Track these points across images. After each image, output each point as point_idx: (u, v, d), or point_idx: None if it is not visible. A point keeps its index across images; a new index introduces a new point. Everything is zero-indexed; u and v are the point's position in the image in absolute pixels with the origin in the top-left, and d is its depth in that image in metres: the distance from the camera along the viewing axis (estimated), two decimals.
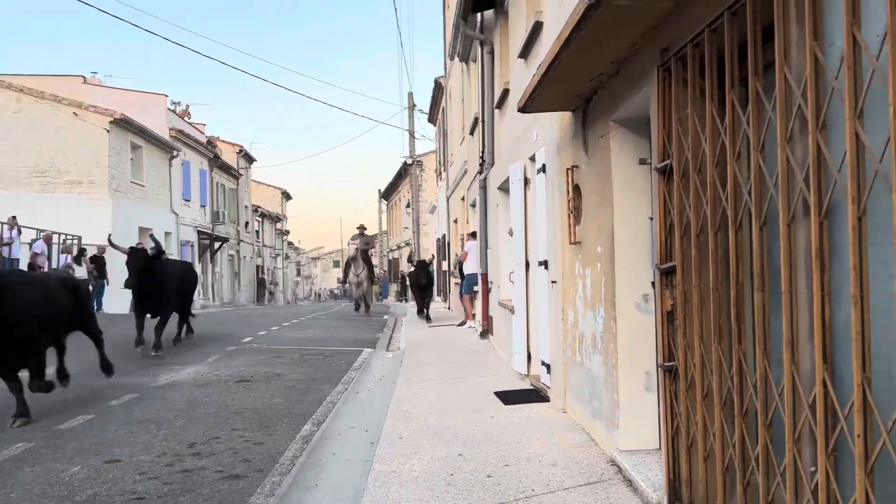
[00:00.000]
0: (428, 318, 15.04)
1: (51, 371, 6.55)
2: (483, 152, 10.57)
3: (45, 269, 18.25)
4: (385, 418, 5.71)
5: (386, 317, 18.02)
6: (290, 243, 56.79)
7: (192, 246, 28.34)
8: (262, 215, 43.02)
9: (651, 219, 3.88)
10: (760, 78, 2.48)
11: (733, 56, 2.62)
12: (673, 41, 3.12)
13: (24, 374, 5.96)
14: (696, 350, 3.00)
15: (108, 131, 21.54)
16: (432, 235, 28.26)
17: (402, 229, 36.09)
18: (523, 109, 5.18)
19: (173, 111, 28.95)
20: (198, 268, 28.73)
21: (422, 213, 29.59)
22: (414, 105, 27.88)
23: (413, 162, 29.29)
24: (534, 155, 6.76)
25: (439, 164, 22.87)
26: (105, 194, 21.38)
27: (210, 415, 6.10)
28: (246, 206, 38.47)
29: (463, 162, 14.42)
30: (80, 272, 17.64)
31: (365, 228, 17.93)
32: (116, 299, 17.91)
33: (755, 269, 2.49)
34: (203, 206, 30.32)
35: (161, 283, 9.80)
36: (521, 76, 7.14)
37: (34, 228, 16.90)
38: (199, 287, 28.06)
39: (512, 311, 7.99)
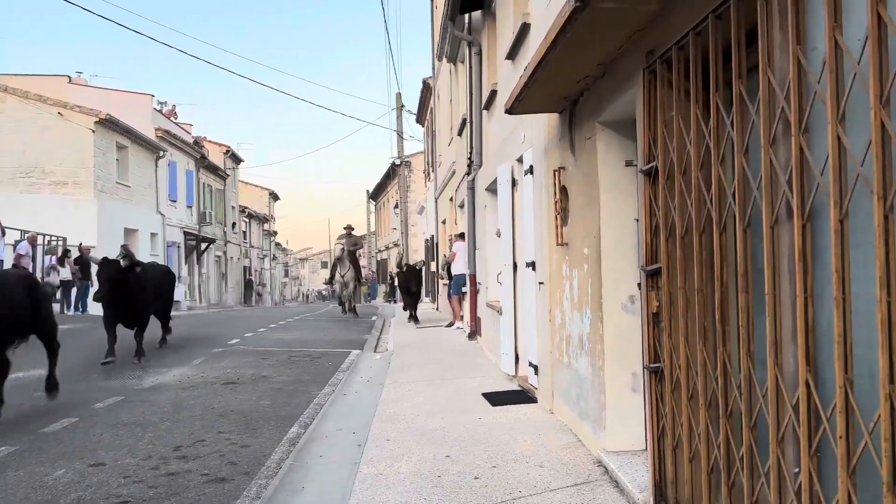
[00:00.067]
0: (416, 320, 14.94)
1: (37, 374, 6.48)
2: (471, 153, 10.58)
3: (30, 271, 18.10)
4: (372, 420, 5.70)
5: (374, 318, 17.99)
6: (277, 244, 56.58)
7: (178, 247, 28.17)
8: (250, 216, 42.84)
9: (637, 220, 3.90)
10: (744, 81, 2.49)
11: (717, 59, 2.63)
12: (658, 44, 3.14)
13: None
14: (682, 351, 3.02)
15: (93, 131, 21.38)
16: (421, 236, 28.26)
17: (390, 230, 36.05)
18: (510, 111, 5.19)
19: (159, 111, 28.79)
20: (184, 269, 28.66)
21: (410, 214, 29.56)
22: (402, 106, 27.85)
23: (401, 162, 29.24)
24: (521, 156, 6.77)
25: (427, 164, 22.87)
26: (90, 195, 21.21)
27: (196, 417, 6.06)
28: (233, 207, 38.30)
29: (451, 163, 14.42)
30: (65, 273, 17.49)
31: (352, 228, 17.66)
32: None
33: (739, 271, 2.50)
34: (190, 207, 30.15)
35: (134, 295, 9.23)
36: (508, 77, 7.15)
37: (18, 230, 16.73)
38: (185, 289, 28.02)
39: (500, 312, 8.00)
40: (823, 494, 2.10)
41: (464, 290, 12.02)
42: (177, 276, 27.29)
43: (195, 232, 30.29)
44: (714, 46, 2.62)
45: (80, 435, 5.50)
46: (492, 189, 9.09)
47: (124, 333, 9.22)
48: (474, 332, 11.05)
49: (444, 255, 15.32)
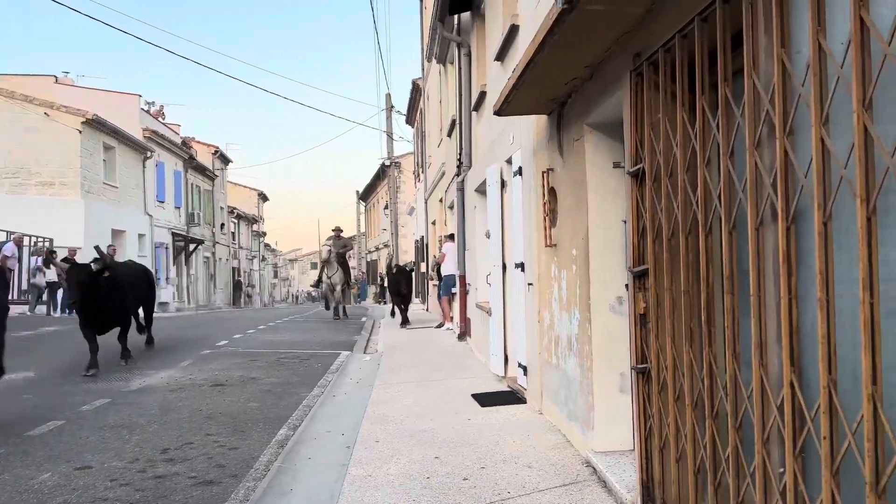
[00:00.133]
0: (406, 321, 14.74)
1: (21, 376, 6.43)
2: (460, 154, 10.59)
3: (16, 272, 17.93)
4: (362, 422, 5.69)
5: (364, 319, 17.95)
6: (266, 245, 56.39)
7: (166, 248, 28.02)
8: (239, 217, 42.66)
9: (625, 222, 3.91)
10: (730, 84, 2.51)
11: (703, 62, 2.65)
12: (645, 46, 3.15)
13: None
14: (668, 352, 3.03)
15: (80, 132, 21.22)
16: (411, 237, 28.25)
17: (380, 231, 36.01)
18: (499, 113, 5.20)
19: (147, 111, 28.62)
20: (172, 270, 28.51)
21: (400, 215, 29.55)
22: (392, 106, 27.85)
23: (391, 163, 29.23)
24: (510, 158, 6.78)
25: (417, 165, 22.86)
26: (77, 196, 21.05)
27: (184, 420, 6.03)
28: (222, 208, 38.12)
29: (441, 164, 14.43)
30: (51, 275, 17.35)
31: (341, 230, 17.44)
32: None
33: (724, 273, 2.52)
34: (178, 208, 29.99)
35: (109, 298, 8.74)
36: (497, 79, 7.17)
37: (4, 231, 16.59)
38: (173, 291, 27.87)
39: (489, 312, 8.01)
40: (808, 494, 2.11)
41: (454, 290, 12.02)
42: (165, 277, 27.27)
43: (183, 233, 30.13)
44: (700, 49, 2.64)
45: (66, 438, 5.46)
46: (481, 190, 9.11)
47: (107, 336, 9.09)
48: (464, 333, 11.06)
49: (434, 256, 15.26)
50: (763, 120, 2.31)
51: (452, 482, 4.05)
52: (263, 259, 53.11)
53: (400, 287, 15.21)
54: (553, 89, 4.47)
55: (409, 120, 25.50)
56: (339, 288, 16.72)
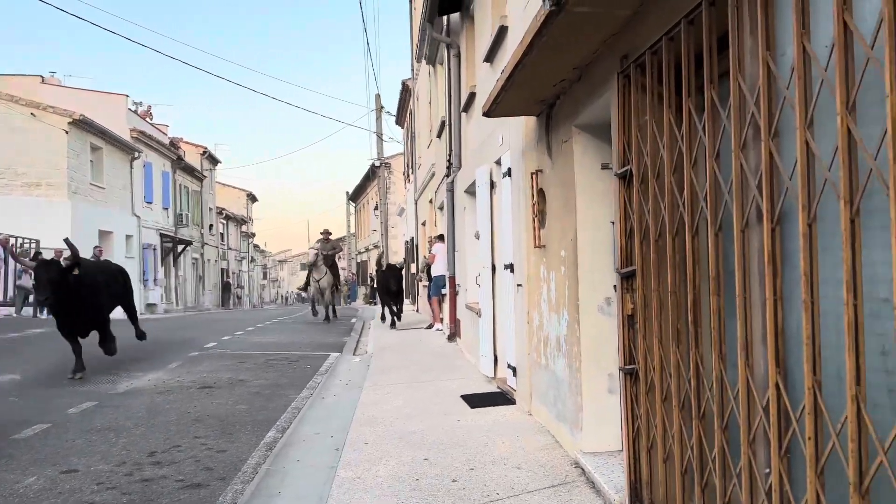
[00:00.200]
0: (393, 323, 14.52)
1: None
2: (450, 155, 10.59)
3: (1, 274, 17.79)
4: (351, 424, 5.67)
5: (353, 320, 17.93)
6: (256, 246, 56.19)
7: (154, 249, 27.86)
8: (227, 218, 42.48)
9: (613, 223, 3.92)
10: (716, 86, 2.52)
11: (690, 64, 2.66)
12: (632, 48, 3.16)
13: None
14: (656, 353, 3.04)
15: (66, 132, 21.07)
16: (401, 238, 28.23)
17: (370, 232, 35.96)
18: (488, 114, 5.20)
19: (134, 112, 28.44)
20: (160, 272, 28.34)
21: (390, 216, 29.52)
22: (382, 107, 27.81)
23: (381, 164, 29.20)
24: (500, 159, 6.79)
25: (407, 166, 22.85)
26: (64, 197, 20.90)
27: (171, 422, 5.99)
28: (210, 209, 37.94)
29: (430, 164, 14.43)
30: None
31: (329, 233, 17.27)
32: None
33: (711, 274, 2.53)
34: (166, 209, 29.82)
35: (82, 297, 8.29)
36: (486, 80, 7.17)
37: None
38: (161, 292, 27.69)
39: (479, 313, 8.01)
40: (793, 494, 2.13)
41: (443, 291, 12.02)
42: (153, 278, 27.10)
43: (171, 234, 29.97)
44: (686, 51, 2.65)
45: (52, 441, 5.41)
46: (471, 191, 9.11)
47: (92, 340, 8.97)
48: (454, 334, 11.06)
49: (425, 257, 15.18)
50: (748, 122, 2.32)
51: (441, 484, 4.05)
52: (252, 260, 52.92)
53: (389, 285, 14.76)
54: (542, 91, 4.48)
55: (399, 121, 25.48)
56: (328, 291, 16.44)
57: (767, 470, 2.23)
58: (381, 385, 7.48)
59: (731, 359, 2.47)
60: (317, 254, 16.32)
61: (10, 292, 17.98)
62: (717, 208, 2.52)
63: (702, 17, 2.50)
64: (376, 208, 30.84)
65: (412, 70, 18.35)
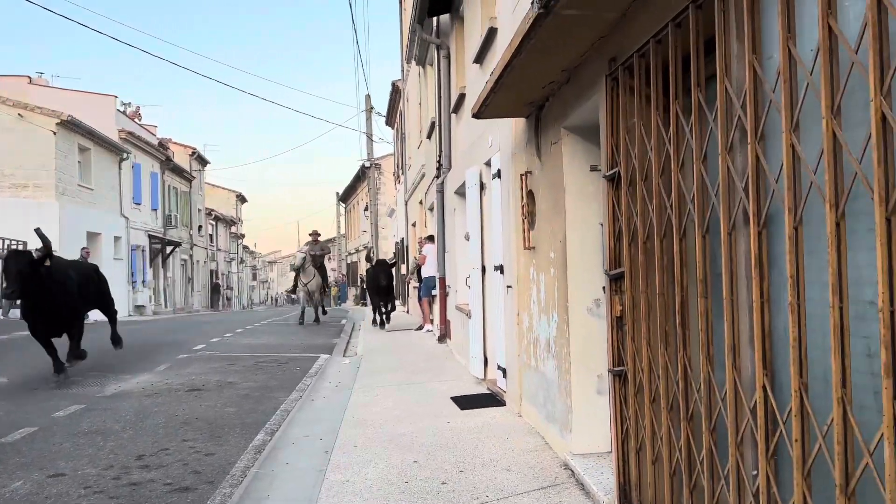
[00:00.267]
0: (383, 324, 14.33)
1: None
2: (440, 156, 10.58)
3: None
4: (340, 426, 5.66)
5: (343, 321, 17.89)
6: (245, 247, 55.97)
7: (143, 250, 27.69)
8: (217, 219, 42.30)
9: (602, 225, 3.93)
10: (703, 89, 2.53)
11: (677, 67, 2.67)
12: (620, 51, 3.17)
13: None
14: (644, 355, 3.05)
15: (54, 133, 20.91)
16: (391, 239, 28.18)
17: (360, 233, 35.89)
18: (477, 115, 5.20)
19: (123, 112, 28.27)
20: (149, 273, 28.17)
21: (380, 217, 29.48)
22: (372, 108, 27.76)
23: (371, 165, 29.15)
24: (489, 160, 6.79)
25: (397, 167, 22.83)
26: (52, 198, 20.74)
27: (159, 425, 5.95)
28: (199, 210, 37.77)
29: (421, 165, 14.42)
30: None
31: (319, 234, 16.99)
32: None
33: (698, 276, 2.54)
34: (154, 210, 29.66)
35: (53, 293, 7.80)
36: (476, 81, 7.17)
37: None
38: (150, 294, 27.51)
39: (469, 315, 8.01)
40: (780, 496, 2.14)
41: (434, 292, 12.01)
42: (142, 280, 26.94)
43: (160, 235, 29.81)
44: (674, 54, 2.66)
45: (38, 445, 5.37)
46: (461, 192, 9.11)
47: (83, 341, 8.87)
48: (444, 336, 11.05)
49: (415, 258, 15.08)
50: (735, 125, 2.33)
51: (431, 486, 4.04)
52: (242, 261, 52.71)
53: (379, 279, 14.22)
54: (531, 93, 4.48)
55: (389, 121, 25.46)
56: (316, 294, 16.15)
57: (755, 471, 2.24)
58: (371, 387, 7.46)
59: (718, 361, 2.48)
60: (304, 257, 15.93)
61: None
62: (705, 211, 2.53)
63: (689, 20, 2.51)
64: (366, 209, 30.79)
65: (402, 71, 18.34)
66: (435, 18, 10.29)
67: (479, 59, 7.00)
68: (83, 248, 19.12)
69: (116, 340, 9.81)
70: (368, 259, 16.26)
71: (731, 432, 2.34)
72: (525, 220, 5.31)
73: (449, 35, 9.90)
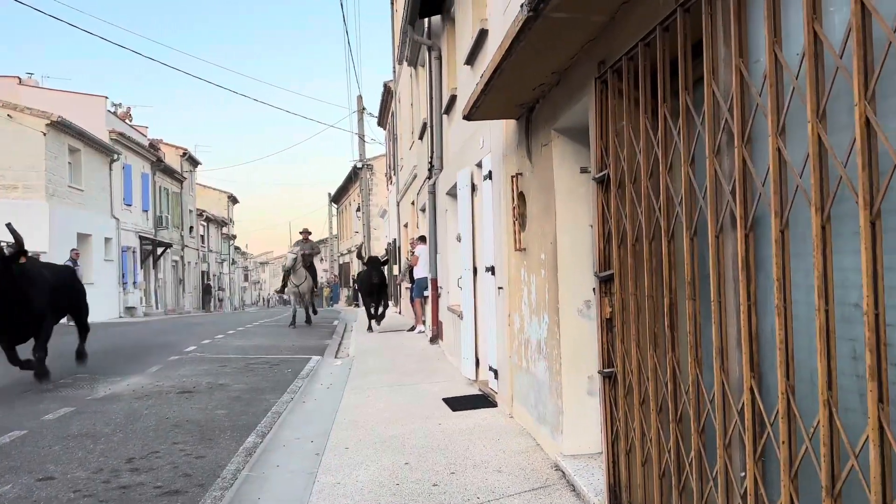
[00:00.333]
0: (381, 317, 14.08)
1: None
2: (432, 157, 10.58)
3: None
4: (332, 428, 5.65)
5: (335, 323, 17.85)
6: (237, 248, 55.79)
7: (133, 252, 27.56)
8: (208, 219, 42.15)
9: (592, 226, 3.94)
10: (690, 93, 2.54)
11: (665, 70, 2.68)
12: (609, 54, 3.18)
13: None
14: (634, 357, 3.06)
15: (44, 134, 20.79)
16: (383, 240, 28.15)
17: (352, 233, 35.84)
18: (468, 117, 5.20)
19: (113, 113, 28.13)
20: (140, 274, 28.03)
21: (373, 217, 29.45)
22: (363, 109, 27.71)
23: (363, 165, 29.11)
24: (480, 161, 6.80)
25: (389, 168, 22.82)
26: (42, 199, 20.62)
27: (150, 428, 5.93)
28: (190, 211, 37.63)
29: (412, 166, 14.41)
30: None
31: (310, 233, 16.46)
32: None
33: (686, 279, 2.55)
34: (145, 211, 29.53)
35: (26, 295, 7.31)
36: (467, 83, 7.18)
37: None
38: (140, 295, 27.36)
39: (461, 316, 8.01)
40: (768, 498, 2.15)
41: (426, 293, 12.00)
42: (132, 281, 26.79)
43: (151, 236, 29.68)
44: (662, 58, 2.67)
45: (28, 448, 5.33)
46: (452, 193, 9.11)
47: (69, 342, 8.77)
48: (436, 337, 11.05)
49: (407, 258, 14.97)
50: (722, 128, 2.34)
51: (422, 489, 4.04)
52: (234, 262, 52.53)
53: (371, 277, 13.81)
54: (521, 95, 4.49)
55: (381, 122, 25.44)
56: (307, 296, 15.78)
57: (743, 473, 2.26)
58: (363, 388, 7.45)
59: (707, 363, 2.49)
60: (296, 257, 15.43)
61: None
62: (692, 213, 2.54)
63: (676, 23, 2.52)
64: (359, 210, 30.75)
65: (394, 72, 18.32)
66: (426, 20, 10.29)
67: (471, 60, 7.01)
68: (72, 250, 19.02)
69: (81, 355, 9.05)
70: (360, 256, 15.86)
71: (720, 434, 2.35)
72: (516, 222, 5.32)
73: (440, 36, 9.90)
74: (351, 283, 31.08)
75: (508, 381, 5.81)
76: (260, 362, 9.94)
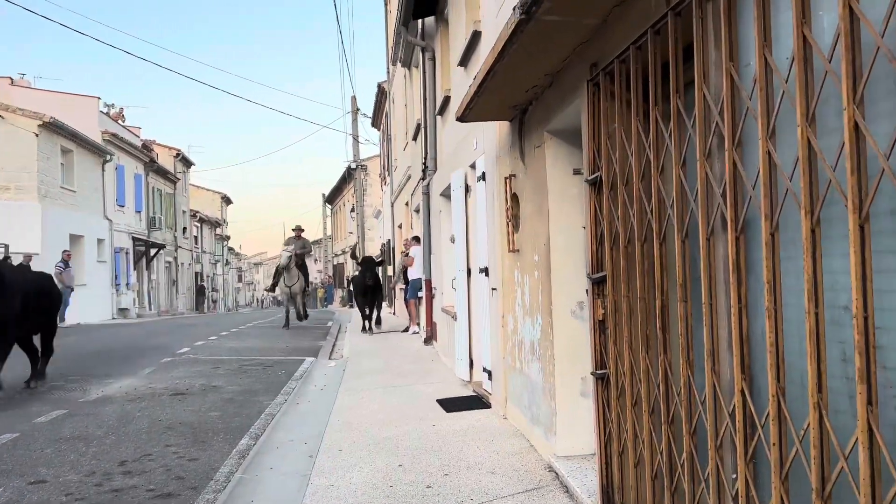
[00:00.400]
0: (371, 329, 13.91)
1: None
2: (426, 158, 10.59)
3: None
4: (325, 430, 5.64)
5: (329, 324, 17.83)
6: (230, 249, 55.66)
7: (126, 253, 27.46)
8: (202, 220, 42.03)
9: (585, 228, 3.95)
10: (681, 96, 2.55)
11: (657, 73, 2.69)
12: (601, 56, 3.19)
13: None
14: (626, 358, 3.07)
15: (36, 135, 20.68)
16: (378, 240, 28.14)
17: (347, 234, 35.81)
18: (461, 119, 5.21)
19: (106, 114, 28.03)
20: (133, 276, 27.92)
21: (367, 218, 29.43)
22: (357, 109, 27.72)
23: (357, 166, 29.10)
24: (474, 163, 6.81)
25: (383, 168, 22.80)
26: (34, 200, 20.51)
27: (142, 430, 5.91)
28: (184, 212, 37.51)
29: (407, 167, 14.41)
30: None
31: (302, 230, 15.90)
32: None
33: (678, 281, 2.56)
34: (138, 212, 29.42)
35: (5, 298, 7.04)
36: (461, 84, 7.18)
37: None
38: (133, 296, 27.26)
39: (454, 317, 8.01)
40: (759, 499, 2.16)
41: (420, 294, 12.00)
42: (125, 282, 26.69)
43: (144, 237, 29.57)
44: (653, 61, 2.68)
45: (20, 451, 5.31)
46: (446, 194, 9.11)
47: (61, 347, 8.74)
48: (430, 337, 11.05)
49: (401, 259, 14.83)
50: (713, 131, 2.35)
51: (416, 490, 4.04)
52: (227, 263, 52.41)
53: (365, 278, 13.47)
54: (514, 96, 4.50)
55: (375, 123, 25.42)
56: (299, 297, 15.43)
57: (734, 475, 2.26)
58: (357, 390, 7.45)
59: (698, 365, 2.50)
60: (290, 256, 15.07)
61: None
62: (684, 216, 2.55)
63: (668, 27, 2.53)
64: (353, 211, 30.72)
65: (388, 72, 18.32)
66: (420, 21, 10.29)
67: (464, 61, 7.02)
68: (65, 251, 18.95)
69: (40, 375, 8.11)
70: (354, 257, 15.44)
71: (711, 436, 2.36)
72: (509, 223, 5.32)
73: (434, 37, 9.90)
74: (345, 284, 31.04)
75: (502, 383, 5.82)
76: (253, 364, 9.92)
